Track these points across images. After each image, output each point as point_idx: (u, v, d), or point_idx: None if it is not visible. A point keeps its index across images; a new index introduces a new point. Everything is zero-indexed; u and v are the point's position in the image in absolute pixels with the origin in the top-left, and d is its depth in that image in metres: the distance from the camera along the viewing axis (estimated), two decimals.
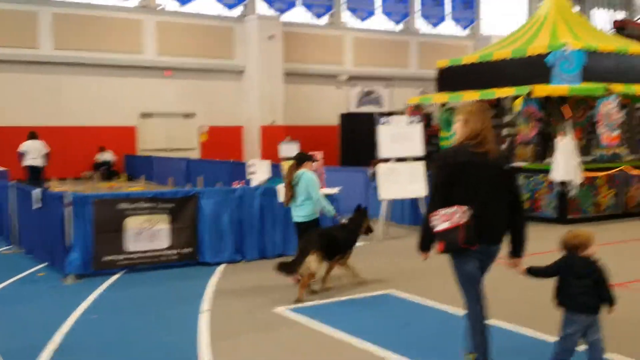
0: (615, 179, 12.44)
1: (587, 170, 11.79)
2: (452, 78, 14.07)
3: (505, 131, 16.93)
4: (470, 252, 4.29)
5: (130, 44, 22.61)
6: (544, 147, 15.75)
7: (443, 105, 14.04)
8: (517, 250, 4.48)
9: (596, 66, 11.89)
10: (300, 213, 7.35)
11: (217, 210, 8.57)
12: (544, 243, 10.40)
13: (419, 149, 10.75)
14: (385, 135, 10.57)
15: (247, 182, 9.16)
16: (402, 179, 10.55)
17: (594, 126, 16.93)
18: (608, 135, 11.24)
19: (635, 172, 12.63)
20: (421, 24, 29.33)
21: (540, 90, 11.48)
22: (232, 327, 6.01)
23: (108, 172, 21.67)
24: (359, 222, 7.51)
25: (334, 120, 24.58)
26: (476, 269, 4.37)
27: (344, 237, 7.24)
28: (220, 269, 8.40)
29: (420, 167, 10.69)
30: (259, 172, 8.91)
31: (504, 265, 4.63)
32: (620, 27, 14.69)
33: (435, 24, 29.50)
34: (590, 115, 15.48)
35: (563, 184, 11.71)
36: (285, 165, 8.70)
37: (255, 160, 9.55)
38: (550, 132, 14.56)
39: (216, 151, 22.56)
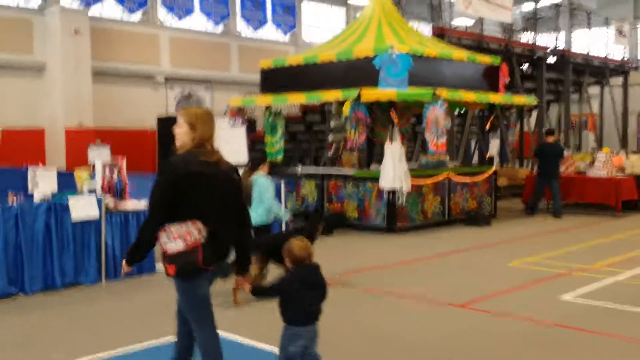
0: (440, 186, 12.24)
1: (413, 177, 11.41)
2: (276, 80, 13.11)
3: (331, 137, 16.39)
4: (203, 274, 3.90)
5: None
6: (370, 153, 15.45)
7: (267, 108, 13.02)
8: (243, 268, 4.19)
9: (422, 71, 11.57)
10: (252, 218, 6.57)
11: None
12: (376, 252, 9.82)
13: (242, 154, 9.59)
14: None
15: (30, 195, 7.34)
16: None
17: (416, 133, 17.10)
18: (435, 141, 10.90)
19: (458, 179, 12.54)
20: (242, 27, 28.44)
21: (368, 94, 10.87)
22: None
23: None
24: (315, 225, 7.41)
25: (151, 123, 22.77)
26: (208, 290, 4.01)
27: None
28: None
29: None
30: (42, 183, 7.15)
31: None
32: (440, 35, 14.69)
33: (256, 28, 28.73)
34: (414, 122, 15.50)
35: (392, 192, 11.22)
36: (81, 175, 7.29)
37: (36, 167, 7.72)
38: (374, 138, 14.22)
39: (12, 156, 19.60)
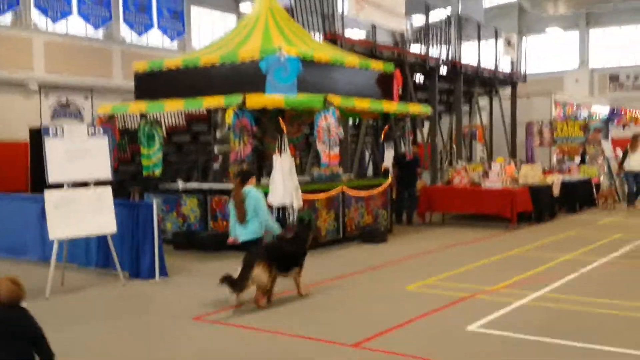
0: (334, 200, 11.38)
1: (305, 191, 10.49)
2: (152, 85, 11.81)
3: (216, 149, 15.21)
4: None
5: None
6: (260, 165, 14.39)
7: (143, 116, 11.68)
8: None
9: (312, 76, 10.71)
10: (245, 231, 7.47)
11: None
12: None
13: (105, 169, 8.25)
14: (56, 151, 7.85)
15: None
16: (81, 209, 7.93)
17: (309, 143, 16.22)
18: (328, 152, 10.03)
19: (353, 192, 11.74)
20: (126, 32, 26.71)
21: (254, 100, 9.83)
22: None
23: None
24: (305, 235, 7.55)
25: (23, 134, 20.60)
26: None
27: (292, 250, 7.34)
28: None
29: (107, 194, 8.20)
30: None
31: None
32: (332, 40, 13.92)
33: (140, 33, 27.05)
34: (306, 132, 14.61)
35: (282, 208, 10.23)
36: None
37: None
38: (264, 150, 13.19)
39: None
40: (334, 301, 7.40)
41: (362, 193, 11.99)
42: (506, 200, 13.31)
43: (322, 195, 11.02)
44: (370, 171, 22.26)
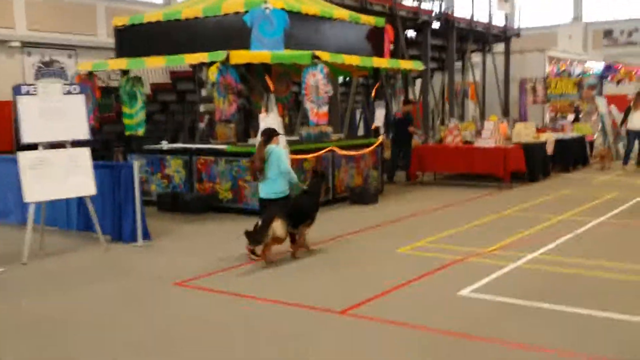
0: (324, 161, 11.07)
1: (293, 152, 10.16)
2: (133, 40, 11.33)
3: (202, 108, 14.83)
4: None
5: None
6: (247, 125, 14.02)
7: (125, 73, 11.23)
8: None
9: (300, 31, 10.27)
10: (273, 189, 7.47)
11: None
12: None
13: (82, 129, 7.88)
14: (29, 110, 7.46)
15: None
16: (57, 171, 7.58)
17: (298, 102, 15.81)
18: (316, 110, 9.67)
19: (343, 152, 11.42)
20: None
21: (238, 56, 9.40)
22: None
23: None
24: (319, 186, 7.77)
25: (6, 94, 20.04)
26: None
27: (307, 203, 7.53)
28: None
29: (84, 155, 7.85)
30: None
31: None
32: None
33: None
34: (295, 91, 14.20)
35: None
36: None
37: None
38: (253, 109, 12.83)
39: None
40: (321, 265, 7.15)
41: (352, 153, 11.68)
42: (499, 159, 13.02)
43: (310, 156, 10.69)
44: (361, 130, 21.91)
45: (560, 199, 11.58)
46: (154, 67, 11.21)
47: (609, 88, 22.44)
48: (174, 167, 11.06)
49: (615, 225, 9.11)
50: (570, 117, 19.73)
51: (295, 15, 10.14)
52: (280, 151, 7.55)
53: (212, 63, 9.42)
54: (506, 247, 7.81)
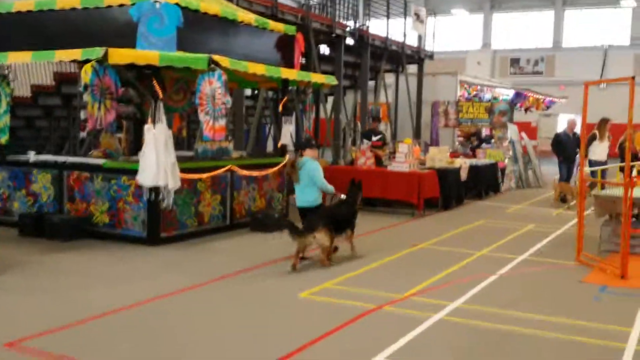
0: (221, 181, 9.71)
1: (185, 170, 8.77)
2: (1, 31, 9.60)
3: (82, 114, 13.11)
4: None
5: None
6: (137, 137, 12.41)
7: None
8: None
9: (197, 31, 8.95)
10: (305, 198, 8.00)
11: None
12: (125, 278, 7.01)
13: None
14: None
15: None
16: None
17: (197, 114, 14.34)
18: (212, 124, 8.33)
19: (244, 172, 10.10)
20: None
21: (118, 55, 7.91)
22: None
23: None
24: (356, 195, 8.26)
25: None
26: None
27: (345, 212, 8.03)
28: None
29: None
30: None
31: None
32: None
33: None
34: (193, 101, 12.75)
35: (155, 189, 8.45)
36: None
37: None
38: (143, 119, 11.30)
39: None
40: (211, 309, 5.79)
41: (255, 173, 10.39)
42: (413, 184, 12.12)
43: (205, 175, 9.31)
44: (270, 147, 20.67)
45: (477, 231, 10.77)
46: (19, 63, 9.53)
47: (516, 115, 22.40)
48: (41, 183, 9.37)
49: (540, 265, 8.28)
50: (473, 142, 19.22)
51: (191, 13, 8.80)
52: (313, 166, 7.94)
53: (87, 61, 7.89)
54: (425, 291, 6.75)
